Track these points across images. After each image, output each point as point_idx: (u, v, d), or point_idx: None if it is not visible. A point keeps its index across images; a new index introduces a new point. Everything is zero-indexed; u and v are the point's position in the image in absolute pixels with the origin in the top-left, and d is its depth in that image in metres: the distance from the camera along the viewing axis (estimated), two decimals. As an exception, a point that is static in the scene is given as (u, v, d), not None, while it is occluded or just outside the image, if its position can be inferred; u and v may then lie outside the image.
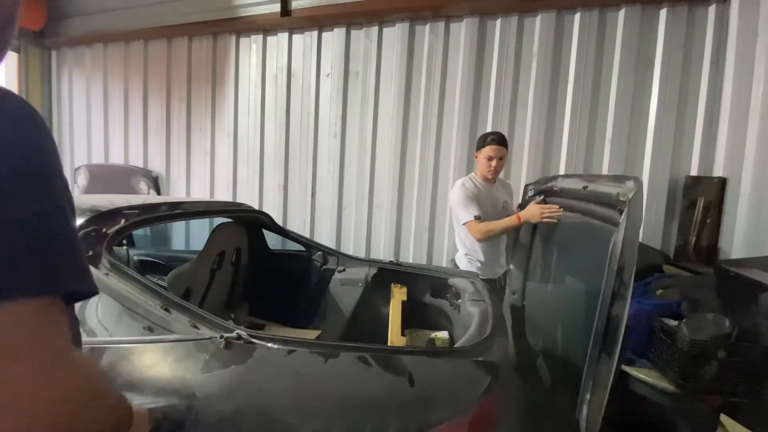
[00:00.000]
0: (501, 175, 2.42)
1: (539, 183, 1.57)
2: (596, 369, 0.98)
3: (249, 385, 0.91)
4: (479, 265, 2.26)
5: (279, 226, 2.26)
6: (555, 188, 1.40)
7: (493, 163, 2.17)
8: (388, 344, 1.39)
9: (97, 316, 1.07)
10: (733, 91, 2.34)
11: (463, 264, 2.31)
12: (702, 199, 2.41)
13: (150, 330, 1.00)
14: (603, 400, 0.98)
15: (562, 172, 2.79)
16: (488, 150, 2.17)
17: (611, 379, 0.99)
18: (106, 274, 1.10)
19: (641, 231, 2.61)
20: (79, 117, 4.34)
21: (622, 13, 2.64)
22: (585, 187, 1.20)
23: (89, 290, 0.43)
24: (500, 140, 2.18)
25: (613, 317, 0.99)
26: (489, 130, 2.92)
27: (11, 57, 4.12)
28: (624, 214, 1.04)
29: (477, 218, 2.13)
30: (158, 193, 3.96)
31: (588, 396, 0.95)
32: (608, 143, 2.70)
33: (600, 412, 0.98)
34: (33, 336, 0.36)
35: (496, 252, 2.31)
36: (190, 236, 3.86)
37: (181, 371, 0.93)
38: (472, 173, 2.34)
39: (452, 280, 1.77)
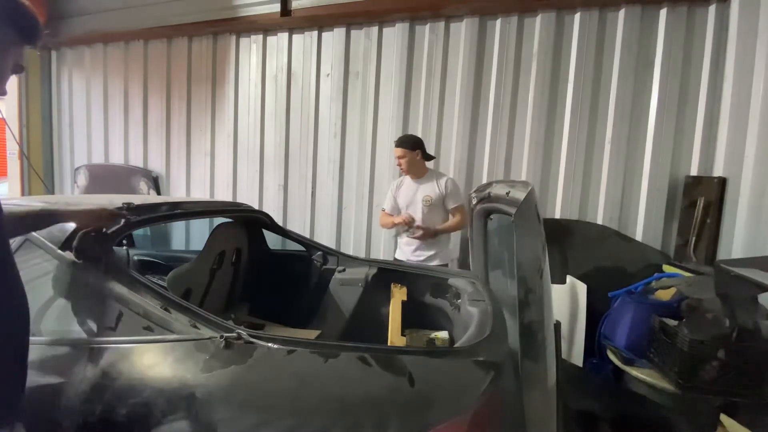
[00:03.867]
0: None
1: (479, 190, 1.61)
2: (527, 374, 1.00)
3: (249, 385, 0.91)
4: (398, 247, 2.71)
5: (279, 226, 2.26)
6: (491, 194, 1.44)
7: (398, 162, 2.54)
8: (388, 344, 1.39)
9: (97, 316, 1.07)
10: (733, 91, 2.34)
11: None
12: (702, 199, 2.41)
13: (150, 330, 1.00)
14: (549, 401, 0.99)
15: (562, 172, 2.80)
16: (394, 151, 2.55)
17: (548, 381, 1.00)
18: (106, 274, 1.10)
19: (641, 230, 2.63)
20: (79, 117, 4.34)
21: (622, 13, 2.63)
22: (508, 193, 1.23)
23: None
24: (399, 143, 2.52)
25: (526, 324, 1.00)
26: (489, 130, 2.94)
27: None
28: (514, 218, 1.05)
29: (383, 210, 2.72)
30: (158, 193, 3.96)
31: (524, 398, 0.96)
32: (608, 143, 2.70)
33: (547, 411, 0.99)
34: None
35: (409, 240, 2.57)
36: (190, 236, 3.86)
37: (181, 371, 0.93)
38: None
39: (452, 280, 1.77)
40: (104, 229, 1.18)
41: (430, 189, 2.50)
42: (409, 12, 3.02)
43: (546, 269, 1.03)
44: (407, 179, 2.60)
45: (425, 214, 2.49)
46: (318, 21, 3.27)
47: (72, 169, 4.34)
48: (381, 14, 3.08)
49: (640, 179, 2.66)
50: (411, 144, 2.50)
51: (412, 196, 2.54)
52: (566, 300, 2.48)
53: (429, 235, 2.44)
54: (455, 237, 3.05)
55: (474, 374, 0.96)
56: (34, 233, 1.16)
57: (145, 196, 3.50)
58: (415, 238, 2.46)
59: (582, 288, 2.44)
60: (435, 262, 2.46)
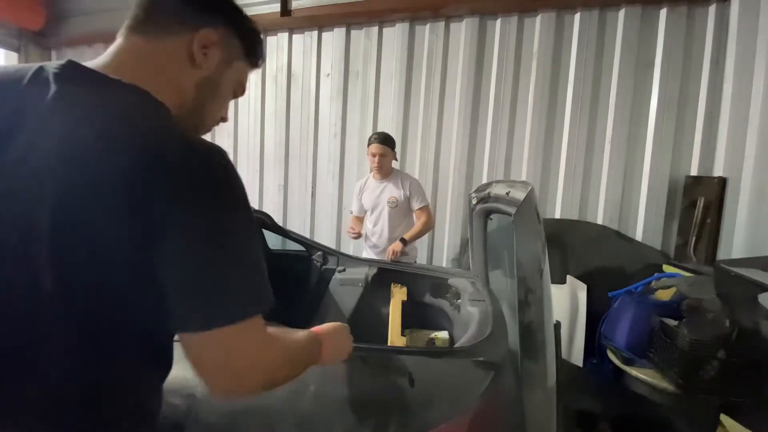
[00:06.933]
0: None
1: (479, 190, 1.62)
2: (527, 374, 1.00)
3: (249, 385, 0.91)
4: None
5: (279, 226, 2.26)
6: (491, 194, 1.45)
7: (376, 159, 2.45)
8: (388, 344, 1.39)
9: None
10: (733, 91, 2.34)
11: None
12: (702, 199, 2.41)
13: (150, 330, 1.00)
14: (549, 401, 1.00)
15: (562, 172, 2.80)
16: (371, 148, 2.47)
17: (548, 381, 1.01)
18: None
19: (641, 230, 2.63)
20: (79, 117, 4.34)
21: (622, 13, 2.63)
22: (508, 193, 1.24)
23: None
24: (381, 140, 2.44)
25: (526, 324, 1.00)
26: (489, 130, 2.94)
27: (11, 57, 4.11)
28: (514, 218, 1.05)
29: (351, 213, 2.70)
30: (158, 193, 3.95)
31: (524, 398, 0.97)
32: (608, 143, 2.70)
33: (547, 411, 0.99)
34: (259, 335, 0.59)
35: (372, 239, 2.62)
36: (190, 236, 3.86)
37: (181, 371, 0.92)
38: (373, 172, 2.57)
39: (452, 280, 1.77)
40: None
41: (395, 190, 2.49)
42: (409, 12, 3.02)
43: (546, 269, 1.03)
44: (371, 180, 2.57)
45: (391, 215, 2.48)
46: (318, 21, 3.27)
47: (72, 169, 4.34)
48: (381, 14, 3.08)
49: (640, 179, 2.66)
50: (393, 143, 2.47)
51: (377, 197, 2.53)
52: (566, 300, 2.48)
53: (400, 251, 2.34)
54: (453, 236, 3.06)
55: (474, 374, 0.96)
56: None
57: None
58: (392, 260, 2.30)
59: (582, 288, 2.45)
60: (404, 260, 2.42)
